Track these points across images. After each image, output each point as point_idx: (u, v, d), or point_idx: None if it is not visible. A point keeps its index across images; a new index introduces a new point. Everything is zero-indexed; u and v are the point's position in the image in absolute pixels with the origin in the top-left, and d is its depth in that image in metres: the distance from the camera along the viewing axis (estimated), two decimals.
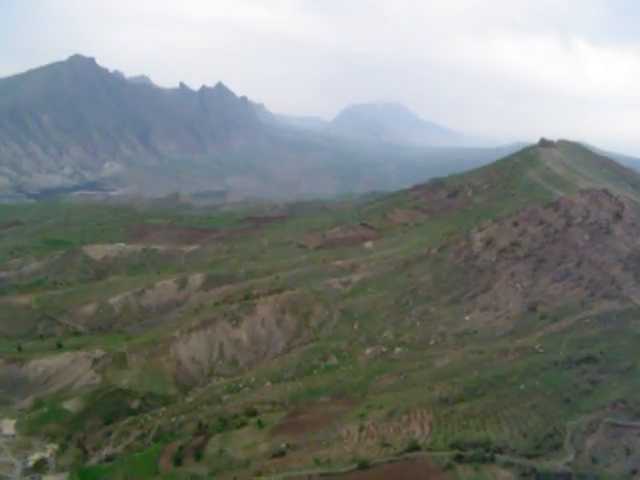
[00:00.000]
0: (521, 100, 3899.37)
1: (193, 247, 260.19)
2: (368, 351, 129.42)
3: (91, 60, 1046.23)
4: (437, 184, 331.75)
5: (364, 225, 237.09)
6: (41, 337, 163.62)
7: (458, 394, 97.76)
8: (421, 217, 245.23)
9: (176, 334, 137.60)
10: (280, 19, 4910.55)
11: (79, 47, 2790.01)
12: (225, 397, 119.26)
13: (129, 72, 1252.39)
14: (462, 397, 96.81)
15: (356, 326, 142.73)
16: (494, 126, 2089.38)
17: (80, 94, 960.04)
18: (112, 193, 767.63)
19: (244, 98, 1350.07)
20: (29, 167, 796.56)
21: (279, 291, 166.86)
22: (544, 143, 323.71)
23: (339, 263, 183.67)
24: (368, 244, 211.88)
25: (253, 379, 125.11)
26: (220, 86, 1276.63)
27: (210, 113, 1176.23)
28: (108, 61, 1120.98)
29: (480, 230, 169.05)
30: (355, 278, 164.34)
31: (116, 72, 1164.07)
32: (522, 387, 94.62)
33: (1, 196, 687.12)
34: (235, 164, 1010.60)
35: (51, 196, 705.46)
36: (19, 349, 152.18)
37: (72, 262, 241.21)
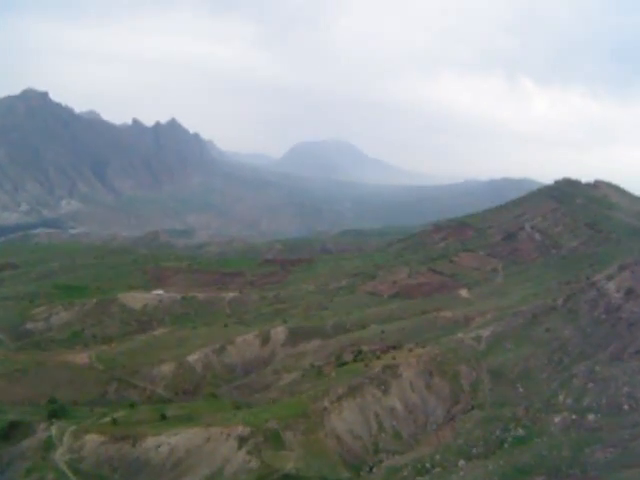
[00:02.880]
0: (468, 138, 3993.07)
1: (232, 294, 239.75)
2: (557, 419, 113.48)
3: (44, 94, 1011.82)
4: (461, 224, 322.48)
5: (432, 270, 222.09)
6: (131, 406, 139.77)
7: None
8: (491, 262, 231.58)
9: (326, 404, 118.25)
10: (228, 56, 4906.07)
11: (26, 81, 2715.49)
12: None
13: (77, 107, 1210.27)
14: None
15: (521, 389, 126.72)
16: (441, 164, 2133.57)
17: (34, 128, 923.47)
18: (72, 231, 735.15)
19: (196, 134, 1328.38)
20: None
21: (394, 348, 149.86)
22: (571, 183, 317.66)
23: (448, 315, 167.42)
24: (463, 293, 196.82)
25: (438, 456, 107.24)
26: (173, 122, 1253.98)
27: (165, 149, 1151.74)
28: (57, 96, 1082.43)
29: (609, 278, 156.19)
30: (484, 333, 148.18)
31: (66, 107, 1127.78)
32: None
33: None
34: (192, 201, 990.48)
35: (10, 234, 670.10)
36: (114, 422, 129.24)
37: (108, 312, 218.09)
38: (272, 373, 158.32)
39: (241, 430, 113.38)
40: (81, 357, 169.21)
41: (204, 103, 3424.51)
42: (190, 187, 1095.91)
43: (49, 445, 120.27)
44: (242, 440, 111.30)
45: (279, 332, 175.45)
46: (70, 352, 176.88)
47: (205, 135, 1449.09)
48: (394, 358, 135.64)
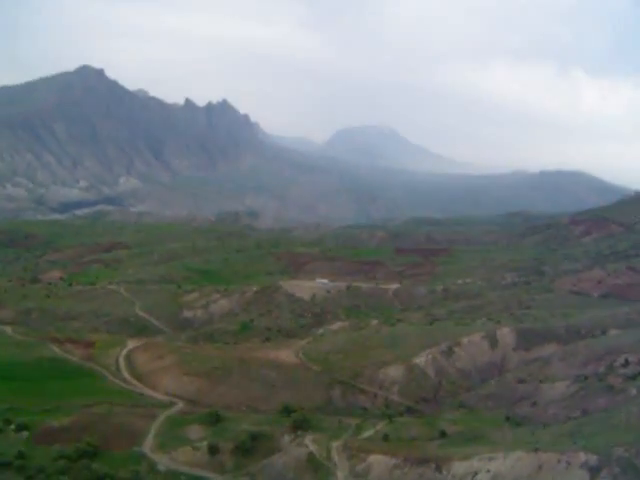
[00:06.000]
0: (515, 128, 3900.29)
1: (395, 286, 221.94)
2: None
3: (100, 71, 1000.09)
4: (599, 218, 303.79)
5: (632, 269, 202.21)
6: (389, 417, 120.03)
7: None
8: None
9: None
10: (275, 37, 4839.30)
11: (77, 58, 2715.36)
12: None
13: (127, 85, 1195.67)
14: None
15: None
16: (486, 153, 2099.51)
17: (91, 105, 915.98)
18: (133, 209, 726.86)
19: (246, 116, 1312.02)
20: (45, 179, 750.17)
21: None
22: None
23: None
24: None
25: None
26: (225, 103, 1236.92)
27: (217, 130, 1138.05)
28: (109, 73, 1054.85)
29: None
30: None
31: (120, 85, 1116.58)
32: None
33: (23, 209, 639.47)
34: (247, 184, 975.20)
35: (73, 210, 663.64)
36: (386, 438, 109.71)
37: (275, 302, 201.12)
38: (516, 381, 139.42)
39: (585, 458, 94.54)
40: (286, 354, 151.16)
41: (249, 84, 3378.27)
42: (243, 168, 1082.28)
43: (315, 465, 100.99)
44: (592, 470, 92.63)
45: (506, 334, 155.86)
46: (277, 350, 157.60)
47: (252, 117, 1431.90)
48: None
